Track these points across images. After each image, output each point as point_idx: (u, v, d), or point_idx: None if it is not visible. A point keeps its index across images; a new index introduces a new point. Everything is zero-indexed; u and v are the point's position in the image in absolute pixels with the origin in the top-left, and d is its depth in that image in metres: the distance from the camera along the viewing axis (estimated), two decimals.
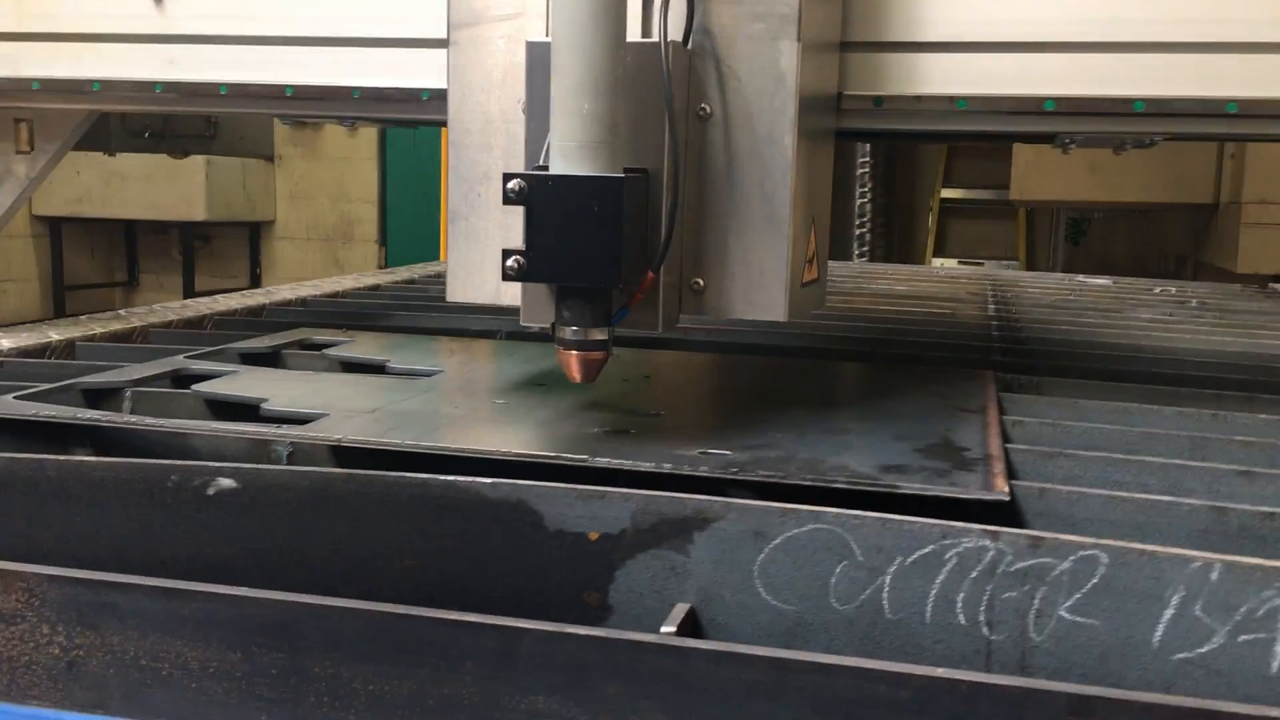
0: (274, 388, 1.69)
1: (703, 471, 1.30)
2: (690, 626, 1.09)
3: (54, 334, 2.20)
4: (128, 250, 9.69)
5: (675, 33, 1.44)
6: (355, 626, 0.96)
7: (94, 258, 9.54)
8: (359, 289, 3.33)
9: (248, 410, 1.61)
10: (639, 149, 1.42)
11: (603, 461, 1.31)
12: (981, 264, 7.69)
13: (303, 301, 2.98)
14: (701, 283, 1.52)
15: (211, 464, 1.23)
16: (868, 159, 8.39)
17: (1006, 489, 1.25)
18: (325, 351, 2.06)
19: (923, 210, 8.95)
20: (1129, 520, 1.24)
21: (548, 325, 1.44)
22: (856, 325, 2.74)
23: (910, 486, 1.25)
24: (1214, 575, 1.01)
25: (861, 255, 8.24)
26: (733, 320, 2.35)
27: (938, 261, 8.40)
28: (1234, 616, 1.00)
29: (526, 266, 1.33)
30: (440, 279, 3.35)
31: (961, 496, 1.23)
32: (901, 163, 8.94)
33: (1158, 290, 4.02)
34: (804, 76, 1.48)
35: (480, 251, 1.58)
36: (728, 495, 1.18)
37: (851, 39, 1.71)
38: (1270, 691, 0.97)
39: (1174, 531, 1.22)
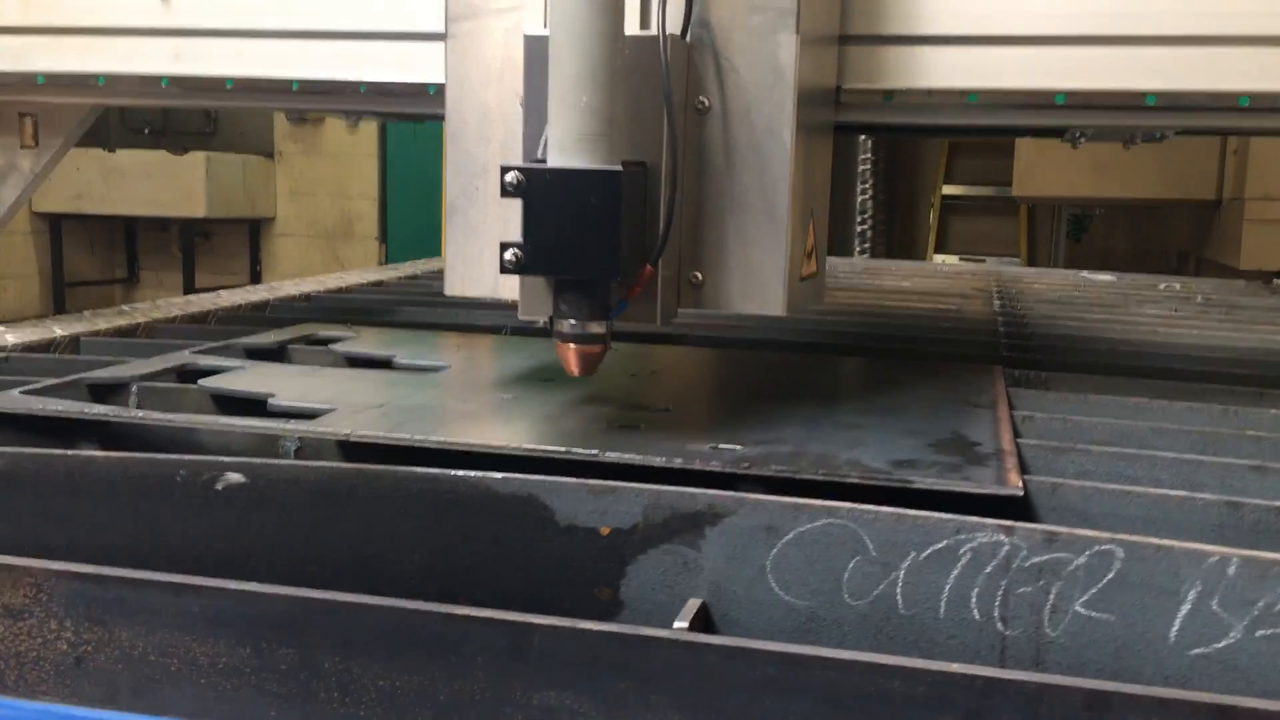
0: (280, 383, 1.68)
1: (714, 466, 1.29)
2: (702, 622, 1.09)
3: (58, 329, 2.19)
4: (127, 247, 9.67)
5: (674, 25, 1.44)
6: (365, 622, 0.95)
7: (94, 254, 9.53)
8: (362, 285, 3.33)
9: (254, 405, 1.61)
10: (637, 142, 1.41)
11: (613, 456, 1.31)
12: (983, 260, 7.68)
13: (306, 297, 2.97)
14: (700, 276, 1.52)
15: (220, 459, 1.22)
16: (869, 155, 8.37)
17: (1020, 484, 1.24)
18: (331, 347, 2.05)
19: (924, 207, 8.94)
20: (1143, 515, 1.23)
21: (546, 319, 1.43)
22: (863, 321, 2.73)
23: (923, 481, 1.24)
24: (1231, 570, 1.00)
25: (863, 252, 8.23)
26: (739, 316, 2.34)
27: (939, 258, 8.39)
28: (1251, 611, 0.99)
29: (524, 259, 1.32)
30: (443, 275, 3.34)
31: (976, 491, 1.22)
32: (903, 159, 8.93)
33: (1162, 286, 4.01)
34: (803, 70, 1.48)
35: (478, 245, 1.58)
36: (739, 490, 1.17)
37: (862, 32, 1.70)
38: None
39: (1188, 526, 1.22)
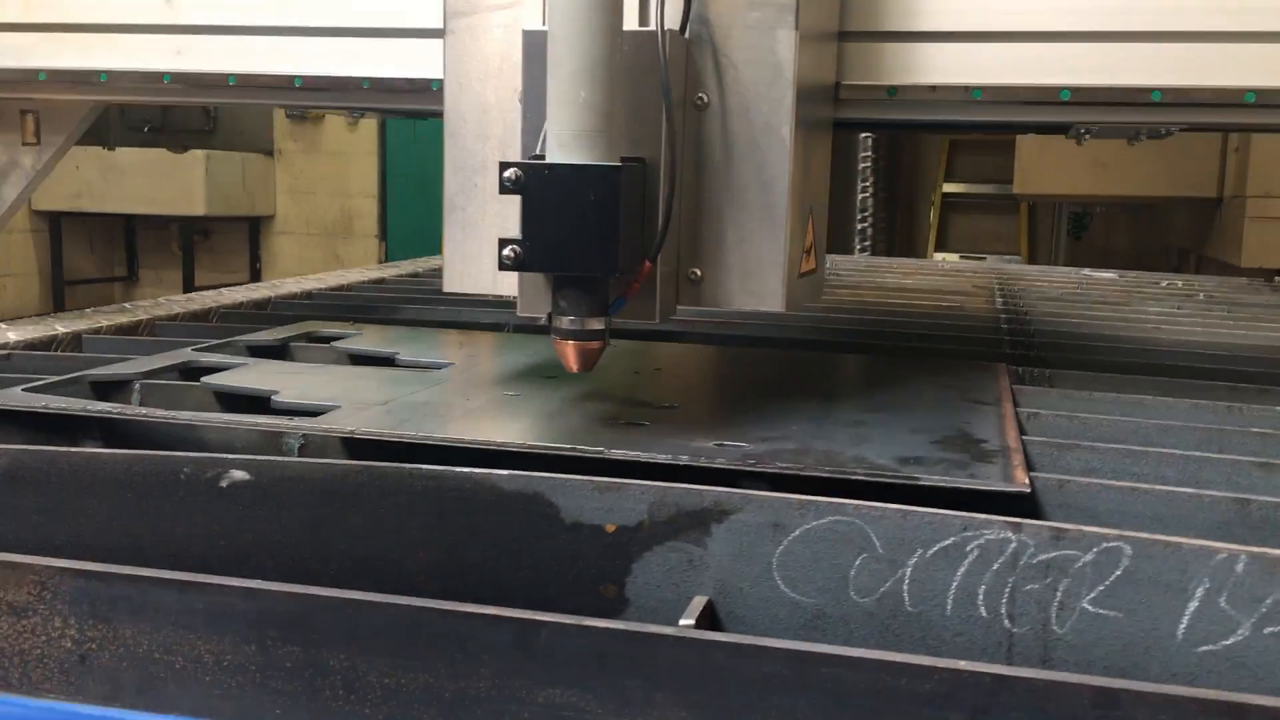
0: (283, 380, 1.68)
1: (720, 463, 1.29)
2: (708, 619, 1.08)
3: (60, 327, 2.19)
4: (127, 245, 9.67)
5: (673, 21, 1.43)
6: (371, 619, 0.95)
7: (93, 253, 9.52)
8: (363, 282, 3.32)
9: (257, 402, 1.60)
10: (636, 138, 1.41)
11: (619, 453, 1.30)
12: (983, 258, 7.68)
13: (307, 295, 2.97)
14: (699, 273, 1.52)
15: (224, 456, 1.22)
16: (869, 153, 8.37)
17: (1027, 481, 1.24)
18: (333, 344, 2.05)
19: (924, 204, 8.93)
20: (1150, 512, 1.23)
21: (544, 316, 1.43)
22: (866, 318, 2.73)
23: (930, 478, 1.24)
24: (1239, 567, 1.00)
25: (863, 250, 8.23)
26: (742, 313, 2.34)
27: (939, 256, 8.39)
28: (1259, 608, 0.99)
29: (523, 256, 1.32)
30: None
31: (984, 488, 1.22)
32: (903, 157, 8.93)
33: (1164, 284, 4.01)
34: (802, 66, 1.47)
35: (477, 241, 1.58)
36: (744, 488, 1.16)
37: (865, 28, 1.70)
38: None
39: (1196, 523, 1.21)
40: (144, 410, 1.55)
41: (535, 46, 1.40)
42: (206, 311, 2.56)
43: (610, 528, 1.13)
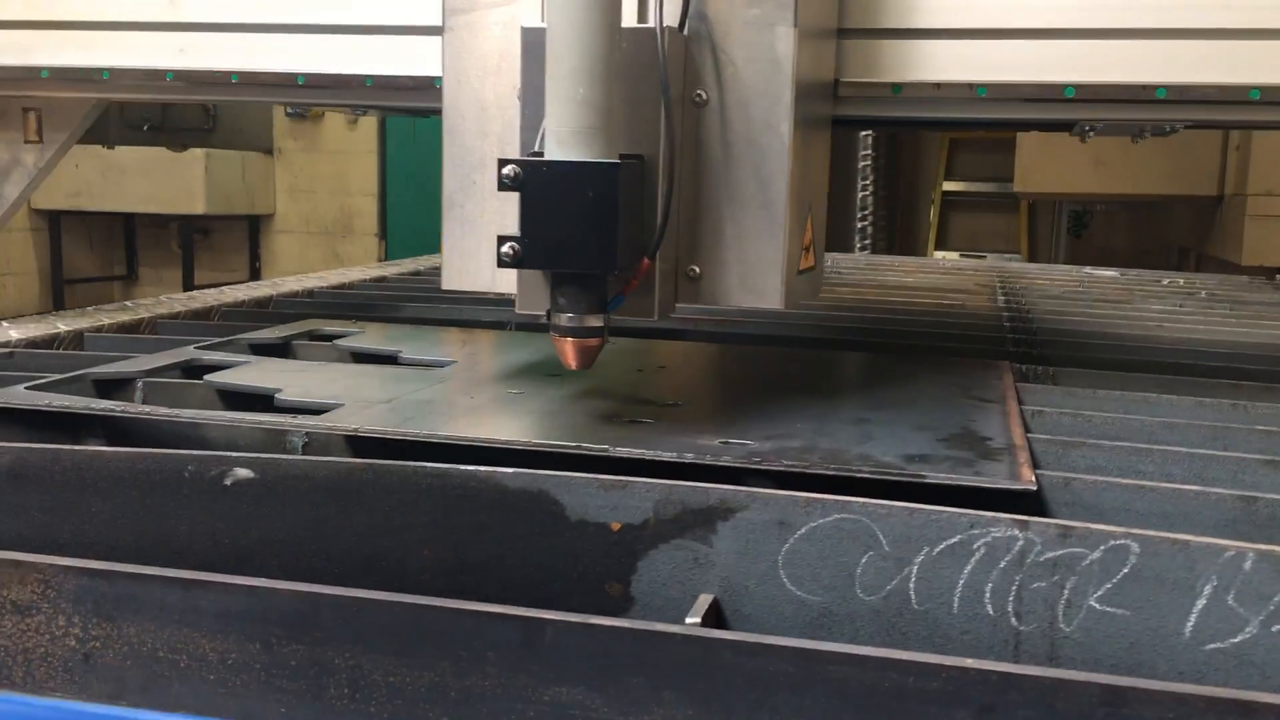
0: (286, 378, 1.68)
1: (725, 461, 1.28)
2: (714, 618, 1.08)
3: (62, 325, 2.19)
4: (127, 244, 9.66)
5: (671, 18, 1.43)
6: (376, 618, 0.94)
7: (93, 251, 9.51)
8: (364, 280, 3.32)
9: (260, 400, 1.60)
10: (635, 135, 1.41)
11: (624, 451, 1.30)
12: (984, 257, 7.68)
13: (309, 293, 2.97)
14: (698, 270, 1.52)
15: (228, 454, 1.22)
16: (869, 151, 8.37)
17: (1033, 479, 1.23)
18: (336, 342, 2.05)
19: (924, 203, 8.93)
20: (1156, 510, 1.23)
21: (543, 313, 1.42)
22: (868, 316, 2.73)
23: (936, 476, 1.23)
24: (1247, 565, 0.99)
25: (863, 248, 8.23)
26: (744, 311, 2.34)
27: (939, 254, 8.39)
28: (1268, 606, 0.99)
29: (522, 253, 1.31)
30: None
31: (990, 486, 1.21)
32: (903, 156, 8.93)
33: (1165, 282, 4.01)
34: (801, 63, 1.47)
35: (475, 239, 1.57)
36: (750, 486, 1.16)
37: (870, 25, 1.70)
38: None
39: (1202, 521, 1.21)
40: (147, 408, 1.55)
41: (534, 43, 1.39)
42: (208, 310, 2.56)
43: (615, 526, 1.13)
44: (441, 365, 1.85)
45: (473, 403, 1.60)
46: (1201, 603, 1.00)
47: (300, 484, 1.18)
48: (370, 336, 2.09)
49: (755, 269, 1.50)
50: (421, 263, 3.98)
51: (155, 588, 0.98)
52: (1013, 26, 1.67)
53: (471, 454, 1.31)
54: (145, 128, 9.05)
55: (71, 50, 2.03)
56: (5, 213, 2.29)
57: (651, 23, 1.41)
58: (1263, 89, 1.63)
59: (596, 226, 1.30)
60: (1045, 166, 6.50)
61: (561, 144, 1.31)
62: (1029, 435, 1.46)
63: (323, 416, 1.46)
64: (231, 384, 1.68)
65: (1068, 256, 8.16)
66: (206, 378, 1.71)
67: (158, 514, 1.21)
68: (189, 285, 8.70)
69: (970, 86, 1.69)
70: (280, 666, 0.96)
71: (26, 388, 1.57)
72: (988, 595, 1.04)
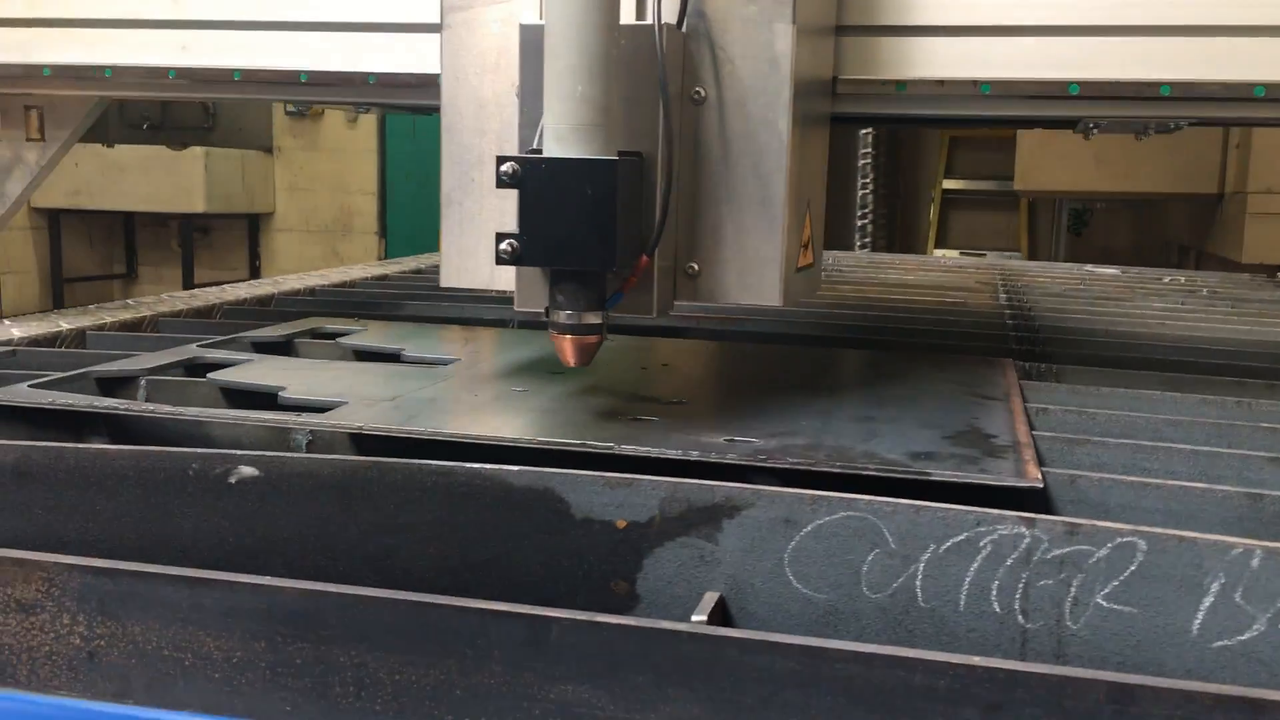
0: (289, 376, 1.67)
1: (731, 459, 1.28)
2: (720, 615, 1.08)
3: (64, 323, 2.18)
4: (126, 242, 9.65)
5: (670, 15, 1.43)
6: (381, 616, 0.94)
7: (93, 250, 9.51)
8: (366, 279, 3.32)
9: (263, 398, 1.60)
10: (633, 132, 1.41)
11: (629, 449, 1.30)
12: (984, 255, 7.68)
13: (311, 291, 2.97)
14: (696, 267, 1.51)
15: (233, 452, 1.21)
16: (869, 150, 8.37)
17: (1040, 476, 1.23)
18: (338, 340, 2.05)
19: (924, 201, 8.94)
20: (1162, 507, 1.23)
21: (542, 310, 1.42)
22: (870, 314, 2.73)
23: (943, 473, 1.23)
24: (1254, 562, 0.99)
25: (863, 246, 8.23)
26: (745, 308, 2.34)
27: (939, 252, 8.39)
28: (1275, 603, 0.98)
29: (520, 250, 1.31)
30: None
31: (996, 484, 1.21)
32: (903, 153, 8.93)
33: (1167, 280, 4.01)
34: (799, 60, 1.47)
35: (474, 236, 1.57)
36: (755, 483, 1.16)
37: (874, 23, 1.69)
38: None
39: (1208, 518, 1.21)
40: (150, 406, 1.55)
41: (532, 41, 1.39)
42: (210, 308, 2.55)
43: (621, 523, 1.13)
44: (444, 363, 1.85)
45: (476, 400, 1.60)
46: (1209, 600, 1.00)
47: (305, 482, 1.18)
48: (373, 334, 2.09)
49: (753, 266, 1.50)
50: (423, 261, 3.97)
51: (160, 586, 0.98)
52: (1017, 24, 1.67)
53: (476, 452, 1.31)
54: (145, 126, 9.04)
55: (74, 48, 2.02)
56: (8, 211, 2.29)
57: (650, 20, 1.40)
58: (1267, 86, 1.62)
59: (595, 224, 1.30)
60: (1045, 165, 6.49)
61: (560, 141, 1.31)
62: (1034, 433, 1.46)
63: (326, 414, 1.45)
64: (235, 382, 1.67)
65: (1068, 255, 8.16)
66: (210, 376, 1.71)
67: (162, 512, 1.20)
68: (189, 284, 8.69)
69: (974, 84, 1.69)
70: (285, 665, 0.96)
71: (30, 386, 1.57)
72: (994, 593, 1.04)
